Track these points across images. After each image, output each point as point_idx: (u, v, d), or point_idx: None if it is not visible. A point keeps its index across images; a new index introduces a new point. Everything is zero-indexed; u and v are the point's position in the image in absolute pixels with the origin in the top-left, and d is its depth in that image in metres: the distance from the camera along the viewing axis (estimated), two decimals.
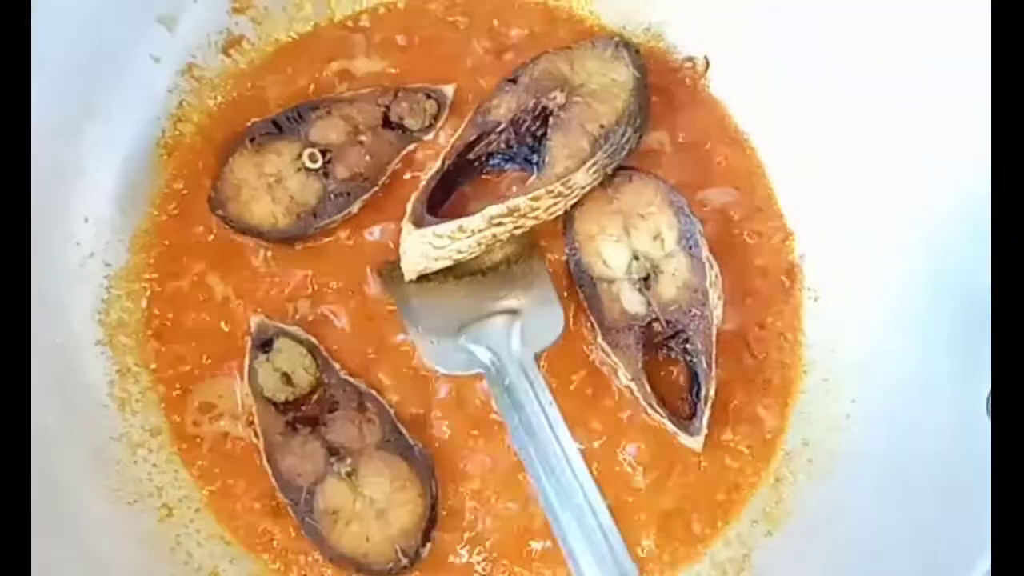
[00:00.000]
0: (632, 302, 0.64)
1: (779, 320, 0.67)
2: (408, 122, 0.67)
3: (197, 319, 0.65)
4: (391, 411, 0.63)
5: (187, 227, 0.66)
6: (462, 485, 0.63)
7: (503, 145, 0.65)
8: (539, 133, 0.64)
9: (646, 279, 0.64)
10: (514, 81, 0.65)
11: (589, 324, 0.64)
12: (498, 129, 0.65)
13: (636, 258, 0.64)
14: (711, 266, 0.63)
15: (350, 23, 0.70)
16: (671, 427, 0.62)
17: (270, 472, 0.61)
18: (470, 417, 0.64)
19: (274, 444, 0.61)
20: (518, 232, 0.63)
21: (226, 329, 0.65)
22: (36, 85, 0.56)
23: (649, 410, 0.62)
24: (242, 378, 0.63)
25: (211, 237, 0.66)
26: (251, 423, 0.62)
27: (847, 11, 0.63)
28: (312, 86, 0.68)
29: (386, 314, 0.65)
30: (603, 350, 0.63)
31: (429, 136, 0.67)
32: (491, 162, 0.67)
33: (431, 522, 0.62)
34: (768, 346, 0.67)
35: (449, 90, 0.67)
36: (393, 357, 0.64)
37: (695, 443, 0.61)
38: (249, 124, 0.66)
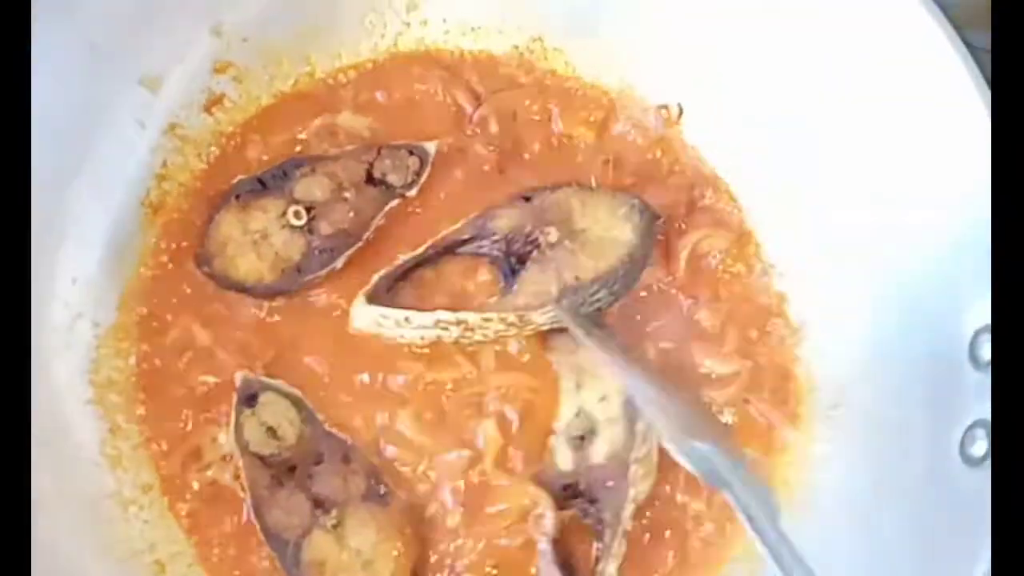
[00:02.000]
0: (564, 457, 0.64)
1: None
2: (391, 178, 0.67)
3: (185, 374, 0.65)
4: (375, 462, 0.64)
5: (173, 284, 0.67)
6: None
7: (492, 252, 0.66)
8: (524, 258, 0.65)
9: (581, 438, 0.64)
10: (528, 200, 0.66)
11: None
12: (492, 238, 0.66)
13: (578, 415, 0.64)
14: (643, 440, 0.62)
15: (331, 80, 0.71)
16: None
17: (257, 526, 0.61)
18: None
19: (260, 498, 0.62)
20: (465, 343, 0.64)
21: (213, 383, 0.65)
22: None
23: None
24: (228, 432, 0.64)
25: (197, 293, 0.66)
26: (238, 477, 0.63)
27: (821, 56, 0.63)
28: (295, 144, 0.69)
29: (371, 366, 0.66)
30: None
31: (412, 192, 0.68)
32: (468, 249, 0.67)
33: (418, 570, 0.62)
34: None
35: (431, 147, 0.68)
36: (374, 410, 0.65)
37: None
38: (235, 181, 0.67)
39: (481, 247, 0.66)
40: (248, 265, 0.66)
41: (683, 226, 0.69)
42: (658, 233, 0.67)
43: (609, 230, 0.65)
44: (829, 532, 0.61)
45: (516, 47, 0.72)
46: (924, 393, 0.60)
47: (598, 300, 0.65)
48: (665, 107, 0.71)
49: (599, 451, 0.63)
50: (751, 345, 0.68)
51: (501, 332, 0.64)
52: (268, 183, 0.67)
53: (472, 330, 0.64)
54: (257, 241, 0.66)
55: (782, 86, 0.66)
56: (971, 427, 0.56)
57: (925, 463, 0.58)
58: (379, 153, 0.68)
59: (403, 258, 0.66)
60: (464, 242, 0.66)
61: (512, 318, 0.63)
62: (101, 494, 0.63)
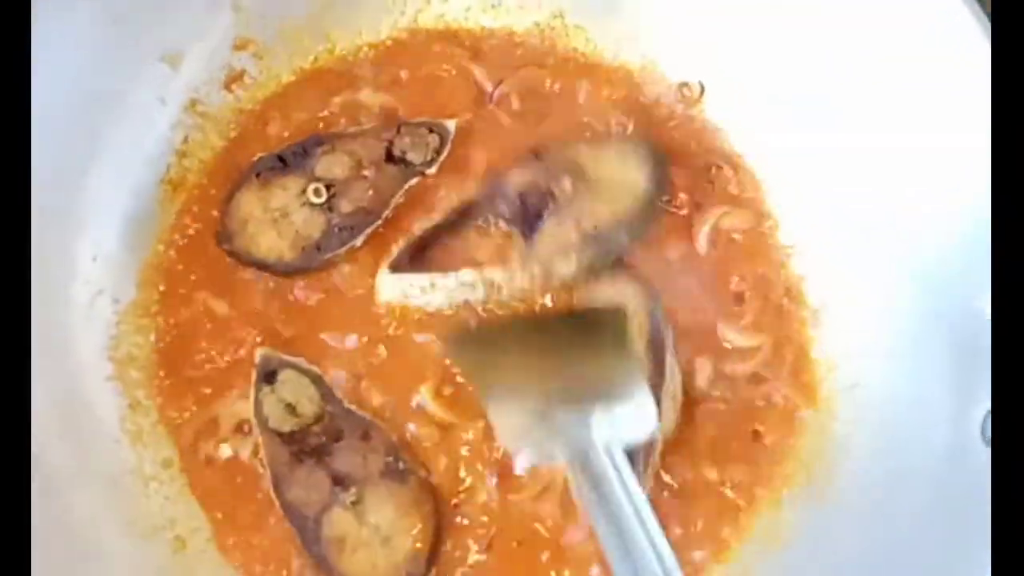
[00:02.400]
0: None
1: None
2: (411, 156, 0.67)
3: (204, 351, 0.66)
4: (394, 439, 0.64)
5: (193, 261, 0.67)
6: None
7: (507, 215, 0.66)
8: (541, 212, 0.65)
9: None
10: (539, 156, 0.66)
11: None
12: (508, 197, 0.66)
13: None
14: (672, 375, 0.62)
15: (350, 57, 0.71)
16: None
17: (277, 502, 0.62)
18: None
19: (280, 475, 0.62)
20: (491, 303, 0.64)
21: (233, 359, 0.65)
22: (42, 125, 0.57)
23: None
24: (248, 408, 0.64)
25: (216, 270, 0.67)
26: (257, 454, 0.63)
27: (844, 37, 0.63)
28: (316, 121, 0.69)
29: (390, 342, 0.66)
30: None
31: (432, 170, 0.68)
32: (487, 217, 0.67)
33: (436, 546, 0.62)
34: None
35: (451, 124, 0.68)
36: (394, 386, 0.65)
37: None
38: (255, 159, 0.67)
39: (498, 208, 0.66)
40: (268, 243, 0.66)
41: (701, 202, 0.68)
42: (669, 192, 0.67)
43: (622, 175, 0.65)
44: (848, 513, 0.62)
45: (537, 24, 0.72)
46: (945, 374, 0.60)
47: (618, 247, 0.65)
48: (687, 85, 0.70)
49: None
50: (770, 322, 0.67)
51: (527, 288, 0.64)
52: (289, 161, 0.67)
53: (498, 288, 0.64)
54: (277, 219, 0.66)
55: (804, 65, 0.66)
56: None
57: (945, 444, 0.58)
58: (399, 131, 0.68)
59: (422, 227, 0.66)
60: (480, 206, 0.66)
61: (537, 271, 0.63)
62: (122, 470, 0.64)
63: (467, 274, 0.63)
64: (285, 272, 0.66)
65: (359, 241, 0.66)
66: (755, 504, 0.65)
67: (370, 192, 0.66)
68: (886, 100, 0.62)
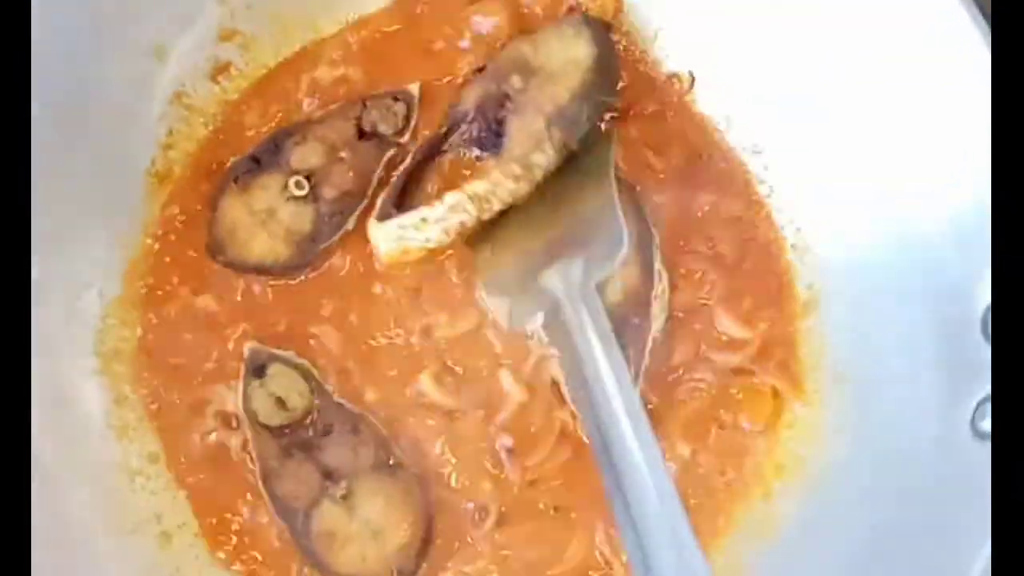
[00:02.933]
0: None
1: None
2: (381, 129, 0.67)
3: (191, 345, 0.65)
4: (384, 432, 0.63)
5: (180, 253, 0.67)
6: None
7: (473, 135, 0.66)
8: (501, 118, 0.65)
9: None
10: (482, 70, 0.67)
11: None
12: (467, 119, 0.66)
13: None
14: (659, 279, 0.64)
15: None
16: None
17: (266, 496, 0.62)
18: None
19: (270, 469, 0.62)
20: (487, 216, 0.63)
21: (220, 353, 0.65)
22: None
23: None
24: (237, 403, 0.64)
25: (203, 263, 0.66)
26: (246, 448, 0.63)
27: (837, 29, 0.63)
28: (285, 109, 0.68)
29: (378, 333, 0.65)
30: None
31: (405, 138, 0.67)
32: (458, 149, 0.67)
33: (427, 540, 0.63)
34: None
35: (415, 88, 0.68)
36: (384, 378, 0.65)
37: None
38: (229, 164, 0.67)
39: (462, 132, 0.66)
40: (262, 246, 0.65)
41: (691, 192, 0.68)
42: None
43: (564, 52, 0.65)
44: (838, 506, 0.62)
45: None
46: (934, 367, 0.60)
47: (587, 118, 0.64)
48: (676, 76, 0.70)
49: (614, 291, 0.63)
50: (759, 314, 0.67)
51: (514, 190, 0.63)
52: (262, 159, 0.66)
53: (487, 200, 0.63)
54: (265, 220, 0.65)
55: (798, 60, 0.65)
56: (982, 402, 0.56)
57: (935, 437, 0.58)
58: (364, 106, 0.67)
59: (398, 174, 0.66)
60: (445, 137, 0.67)
61: (517, 169, 0.63)
62: (108, 465, 0.63)
63: (452, 196, 0.62)
64: (284, 272, 0.66)
65: (351, 224, 0.66)
66: (744, 494, 0.65)
67: (350, 173, 0.66)
68: (878, 91, 0.62)
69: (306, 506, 0.61)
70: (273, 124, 0.68)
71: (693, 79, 0.70)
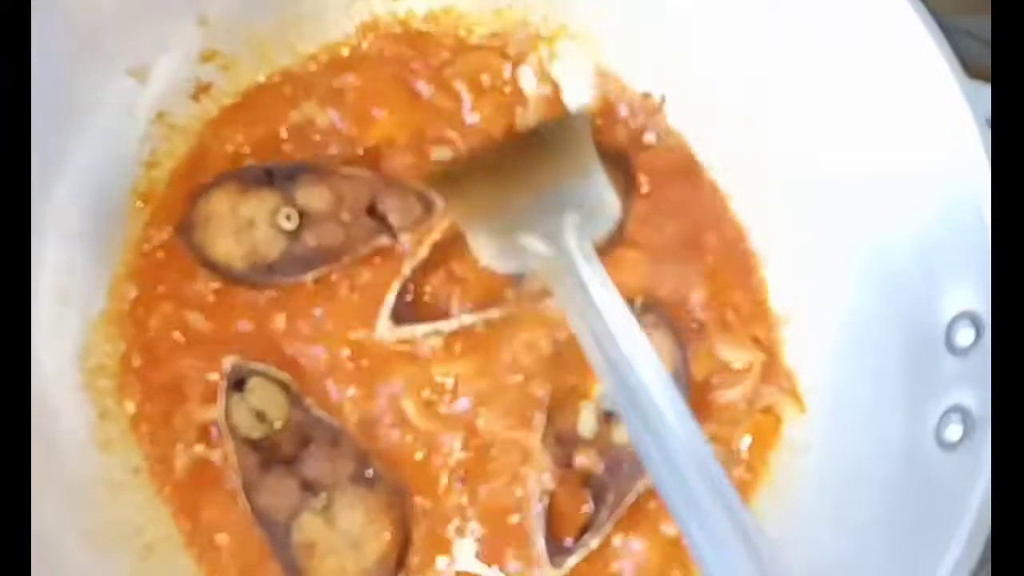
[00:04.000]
0: (586, 424, 0.64)
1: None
2: (392, 217, 0.67)
3: (174, 359, 0.66)
4: (363, 445, 0.64)
5: (164, 270, 0.67)
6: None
7: None
8: None
9: (609, 414, 0.64)
10: None
11: None
12: None
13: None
14: None
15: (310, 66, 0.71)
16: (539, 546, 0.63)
17: (248, 508, 0.63)
18: None
19: (250, 481, 0.63)
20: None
21: (201, 367, 0.66)
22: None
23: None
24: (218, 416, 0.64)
25: (186, 280, 0.67)
26: (227, 460, 0.64)
27: (803, 39, 0.64)
28: (275, 134, 0.69)
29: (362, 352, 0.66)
30: None
31: (404, 238, 0.67)
32: None
33: (405, 552, 0.63)
34: None
35: (441, 200, 0.68)
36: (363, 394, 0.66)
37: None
38: (245, 165, 0.68)
39: None
40: (224, 247, 0.66)
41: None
42: None
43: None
44: (804, 516, 0.63)
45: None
46: (900, 378, 0.60)
47: None
48: (648, 95, 0.71)
49: (623, 433, 0.63)
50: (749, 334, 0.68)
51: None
52: (275, 178, 0.67)
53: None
54: (242, 227, 0.66)
55: (769, 75, 0.66)
56: (947, 412, 0.56)
57: (900, 448, 0.59)
58: (388, 187, 0.67)
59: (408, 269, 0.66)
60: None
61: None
62: (91, 479, 0.64)
63: (468, 317, 0.65)
64: (229, 279, 0.66)
65: (309, 278, 0.66)
66: None
67: (340, 236, 0.66)
68: (845, 100, 0.63)
69: (286, 518, 0.62)
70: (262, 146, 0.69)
71: (664, 99, 0.71)
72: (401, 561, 0.63)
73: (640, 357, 0.53)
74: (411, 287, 0.66)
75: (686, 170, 0.70)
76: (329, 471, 0.63)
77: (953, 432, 0.55)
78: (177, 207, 0.68)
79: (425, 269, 0.67)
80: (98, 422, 0.65)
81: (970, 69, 0.57)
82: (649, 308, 0.66)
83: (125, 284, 0.67)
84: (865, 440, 0.62)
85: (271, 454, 0.63)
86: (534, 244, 0.60)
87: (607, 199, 0.63)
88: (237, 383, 0.64)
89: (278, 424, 0.64)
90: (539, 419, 0.65)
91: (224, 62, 0.70)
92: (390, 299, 0.65)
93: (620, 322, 0.55)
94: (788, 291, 0.69)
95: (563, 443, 0.64)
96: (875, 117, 0.61)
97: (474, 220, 0.64)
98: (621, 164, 0.68)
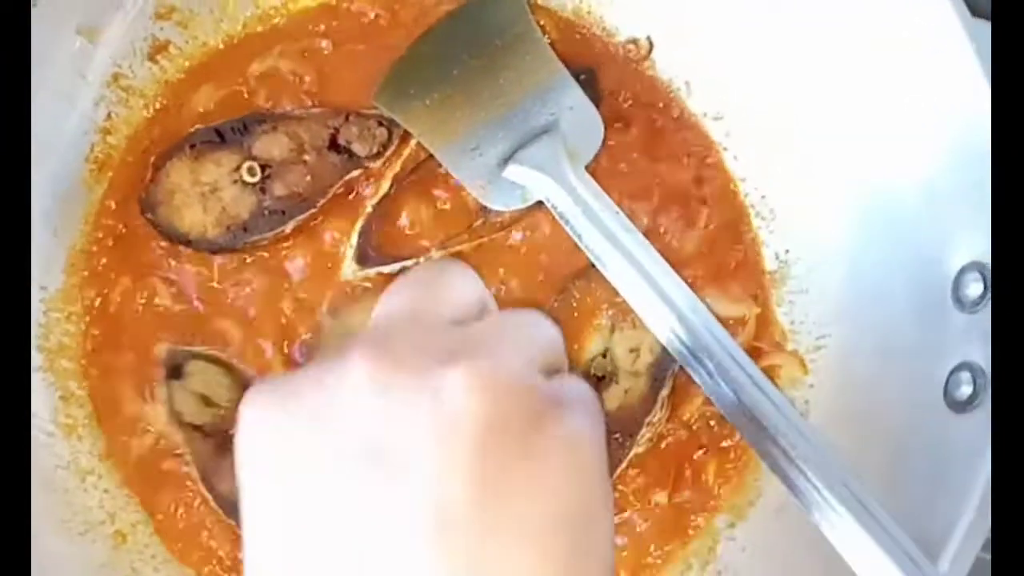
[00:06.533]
0: None
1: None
2: (356, 147, 0.64)
3: (131, 340, 0.63)
4: None
5: (121, 244, 0.64)
6: None
7: None
8: None
9: (600, 378, 0.62)
10: None
11: None
12: None
13: (604, 355, 0.62)
14: (662, 407, 0.61)
15: (277, 20, 0.67)
16: None
17: (210, 497, 0.60)
18: None
19: (207, 469, 0.60)
20: None
21: (159, 348, 0.63)
22: None
23: None
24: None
25: (144, 254, 0.64)
26: (179, 450, 0.61)
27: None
28: (241, 91, 0.66)
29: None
30: None
31: (376, 164, 0.64)
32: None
33: None
34: None
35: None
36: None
37: None
38: (191, 131, 0.64)
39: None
40: (193, 217, 0.63)
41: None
42: None
43: None
44: None
45: None
46: (907, 335, 0.58)
47: None
48: (634, 41, 0.67)
49: (612, 400, 0.62)
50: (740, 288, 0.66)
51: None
52: (226, 136, 0.64)
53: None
54: (206, 194, 0.63)
55: (757, 10, 0.63)
56: (955, 370, 0.54)
57: (908, 407, 0.57)
58: (347, 119, 0.65)
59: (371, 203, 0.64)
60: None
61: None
62: (56, 465, 0.62)
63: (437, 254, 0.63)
64: (207, 248, 0.63)
65: (288, 228, 0.63)
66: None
67: (308, 178, 0.64)
68: (848, 52, 0.60)
69: None
70: (228, 105, 0.65)
71: (651, 44, 0.67)
72: None
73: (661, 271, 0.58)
74: (374, 226, 0.64)
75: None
76: None
77: (963, 391, 0.53)
78: (137, 176, 0.64)
79: (389, 206, 0.64)
80: (61, 405, 0.63)
81: (974, 8, 0.54)
82: None
83: (83, 258, 0.64)
84: (870, 402, 0.60)
85: (224, 439, 0.61)
86: (531, 178, 0.60)
87: (589, 116, 0.63)
88: (173, 369, 0.62)
89: (226, 406, 0.61)
90: None
91: (181, 18, 0.66)
92: (354, 239, 0.63)
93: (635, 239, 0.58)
94: (786, 244, 0.66)
95: None
96: (876, 58, 0.58)
97: (440, 140, 0.62)
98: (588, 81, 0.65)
